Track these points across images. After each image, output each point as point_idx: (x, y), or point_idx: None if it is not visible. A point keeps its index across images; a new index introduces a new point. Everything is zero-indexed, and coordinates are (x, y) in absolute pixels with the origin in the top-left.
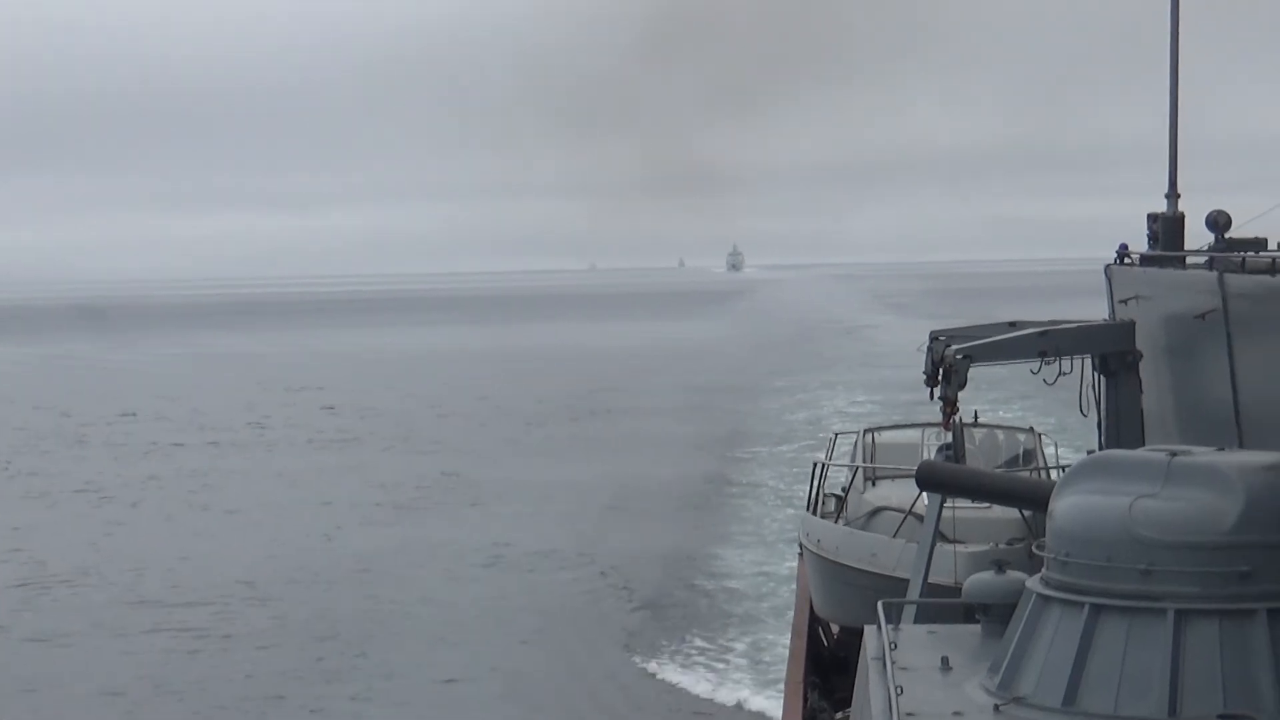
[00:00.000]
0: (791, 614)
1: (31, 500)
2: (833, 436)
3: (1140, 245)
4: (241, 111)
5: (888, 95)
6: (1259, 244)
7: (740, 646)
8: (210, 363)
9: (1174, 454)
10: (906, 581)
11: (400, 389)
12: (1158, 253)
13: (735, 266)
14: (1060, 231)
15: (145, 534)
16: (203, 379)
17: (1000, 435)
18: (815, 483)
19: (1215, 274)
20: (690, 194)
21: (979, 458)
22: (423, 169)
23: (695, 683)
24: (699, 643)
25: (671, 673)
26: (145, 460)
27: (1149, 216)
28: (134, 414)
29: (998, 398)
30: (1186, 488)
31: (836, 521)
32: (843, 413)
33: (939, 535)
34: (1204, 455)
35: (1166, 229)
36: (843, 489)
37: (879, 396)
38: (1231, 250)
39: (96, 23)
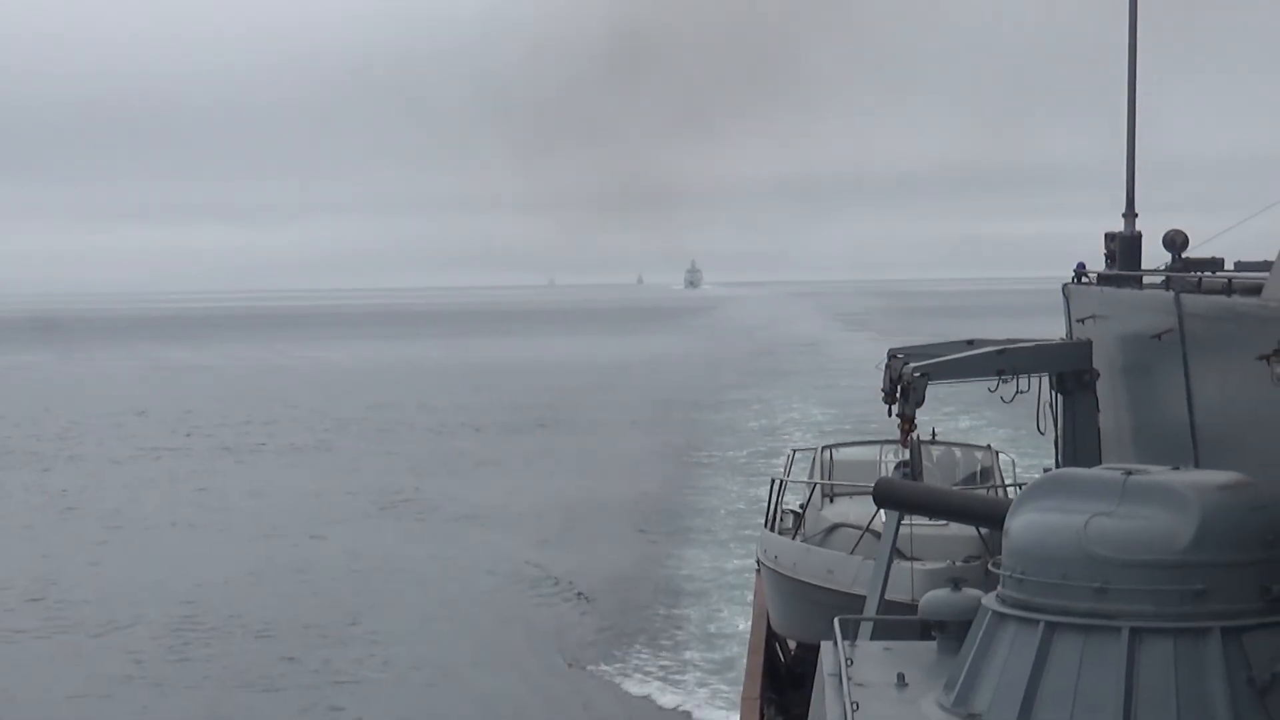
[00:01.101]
0: (748, 629)
1: None
2: (790, 453)
3: (1097, 264)
4: (203, 126)
5: (844, 116)
6: (1215, 264)
7: (697, 661)
8: (165, 375)
9: (1129, 473)
10: (863, 598)
11: (356, 401)
12: (1115, 272)
13: (693, 284)
14: (1016, 251)
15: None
16: (157, 391)
17: (958, 453)
18: (773, 499)
19: (1172, 294)
20: (648, 211)
21: (936, 475)
22: (383, 184)
23: (653, 696)
24: (656, 656)
25: (630, 685)
26: (100, 470)
27: (1106, 236)
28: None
29: (954, 414)
30: (1142, 506)
31: (794, 538)
32: (799, 423)
33: (896, 552)
34: (1159, 474)
35: (1124, 248)
36: (800, 505)
37: (835, 410)
38: (1188, 270)
39: (62, 34)
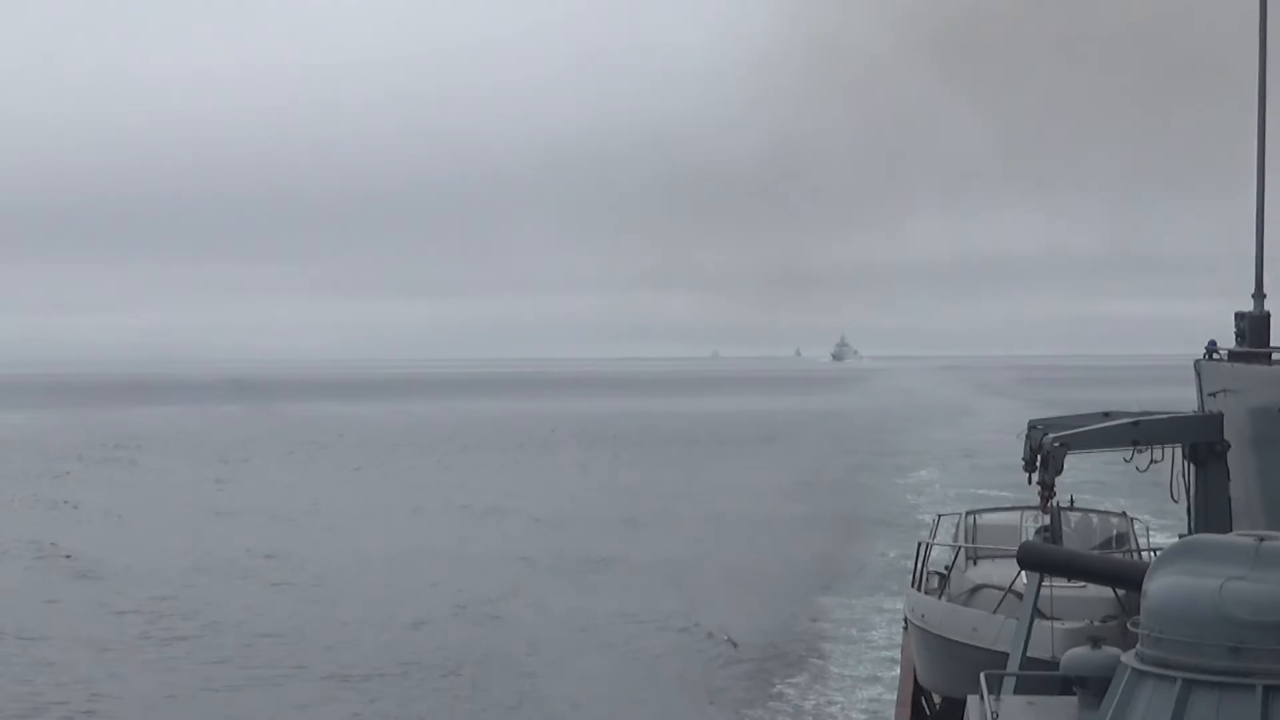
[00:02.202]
0: (897, 683)
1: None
2: (936, 518)
3: (1228, 342)
4: (416, 207)
5: (985, 205)
6: None
7: (848, 713)
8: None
9: (1262, 539)
10: (1006, 655)
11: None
12: (1245, 349)
13: (839, 357)
14: (1148, 330)
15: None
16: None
17: (1095, 519)
18: (920, 561)
19: None
20: (805, 290)
21: (1075, 539)
22: (563, 263)
23: None
24: (807, 705)
25: None
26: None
27: (1236, 315)
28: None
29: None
30: (1274, 571)
31: (940, 598)
32: (947, 484)
33: (1037, 612)
34: None
35: (1253, 327)
36: (945, 567)
37: (978, 477)
38: None
39: (273, 120)
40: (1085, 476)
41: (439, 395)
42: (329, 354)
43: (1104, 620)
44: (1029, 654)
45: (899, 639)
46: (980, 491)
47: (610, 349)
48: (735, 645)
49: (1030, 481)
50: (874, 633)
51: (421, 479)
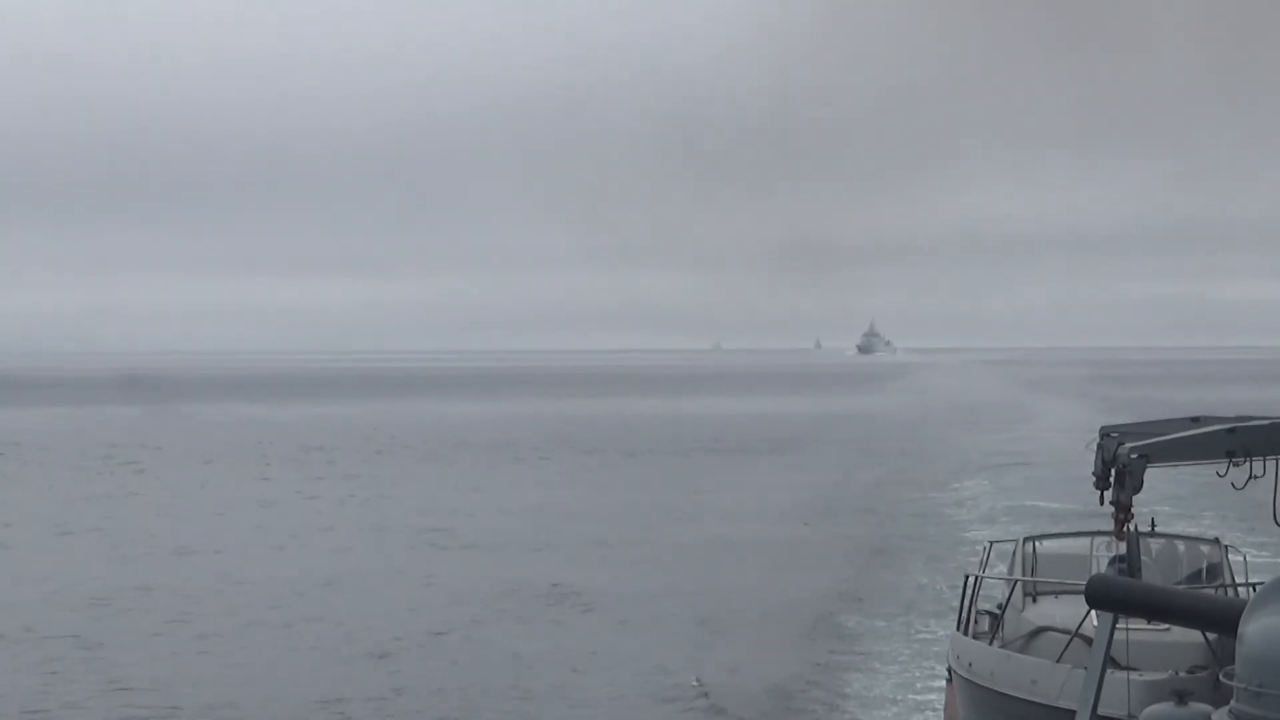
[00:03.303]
0: None
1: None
2: (987, 545)
3: None
4: (349, 166)
5: (1031, 170)
6: None
7: None
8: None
9: None
10: (1072, 713)
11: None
12: None
13: (867, 349)
14: (1244, 317)
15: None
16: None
17: (1181, 546)
18: (967, 598)
19: None
20: (828, 269)
21: (1156, 572)
22: (522, 236)
23: None
24: None
25: None
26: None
27: None
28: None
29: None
30: None
31: (991, 643)
32: (998, 504)
33: (1110, 660)
34: None
35: None
36: (998, 606)
37: (1037, 496)
38: None
39: (169, 69)
40: (1166, 492)
41: (378, 395)
42: (241, 344)
43: (1191, 671)
44: (1100, 711)
45: (940, 694)
46: (1039, 506)
47: (589, 339)
48: (725, 712)
49: (1102, 501)
50: (910, 692)
51: (353, 496)
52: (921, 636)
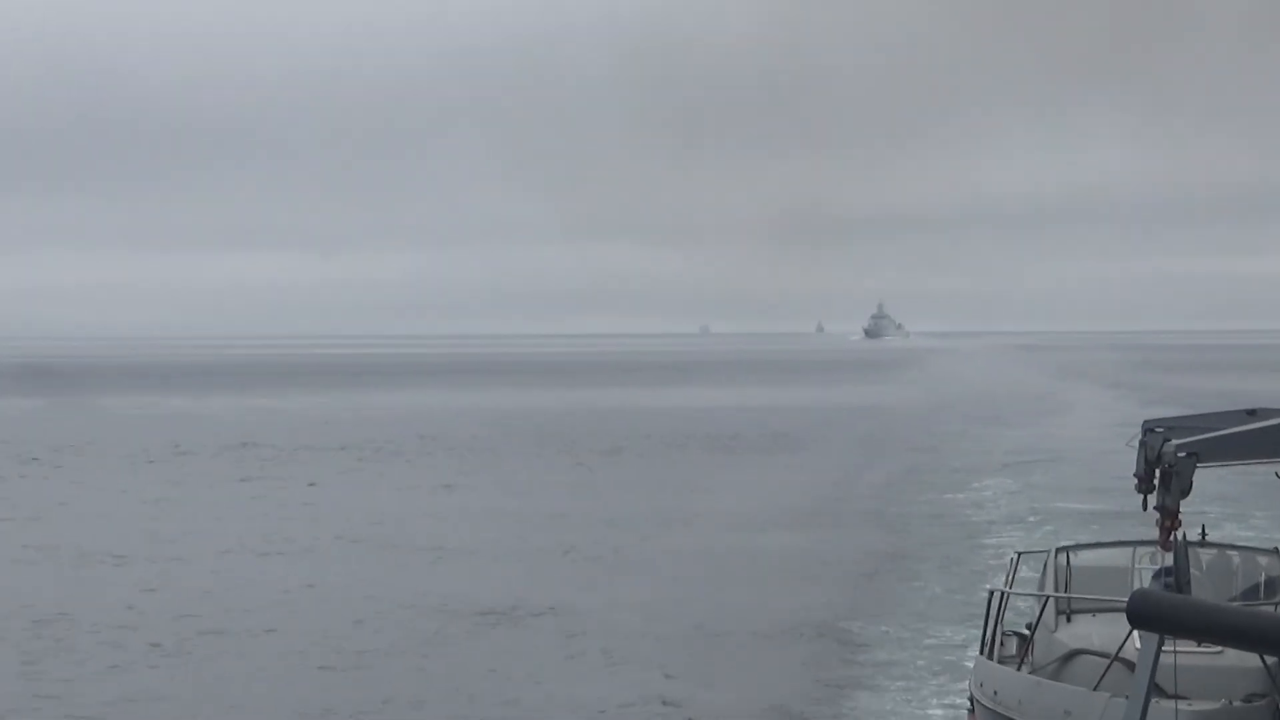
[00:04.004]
0: None
1: None
2: (1014, 557)
3: None
4: (292, 132)
5: (1059, 131)
6: None
7: None
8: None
9: None
10: None
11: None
12: None
13: (875, 333)
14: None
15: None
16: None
17: (1236, 558)
18: (991, 617)
19: None
20: (830, 243)
21: (1208, 586)
22: (483, 206)
23: None
24: None
25: None
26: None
27: None
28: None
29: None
30: None
31: (1019, 667)
32: (1026, 508)
33: (1155, 688)
34: None
35: None
36: (1028, 625)
37: (1070, 498)
38: None
39: (81, 31)
40: (1215, 492)
41: (325, 386)
42: (166, 329)
43: (1247, 699)
44: None
45: None
46: (1072, 510)
47: (560, 322)
48: None
49: (1145, 506)
50: None
51: (297, 500)
52: (941, 661)
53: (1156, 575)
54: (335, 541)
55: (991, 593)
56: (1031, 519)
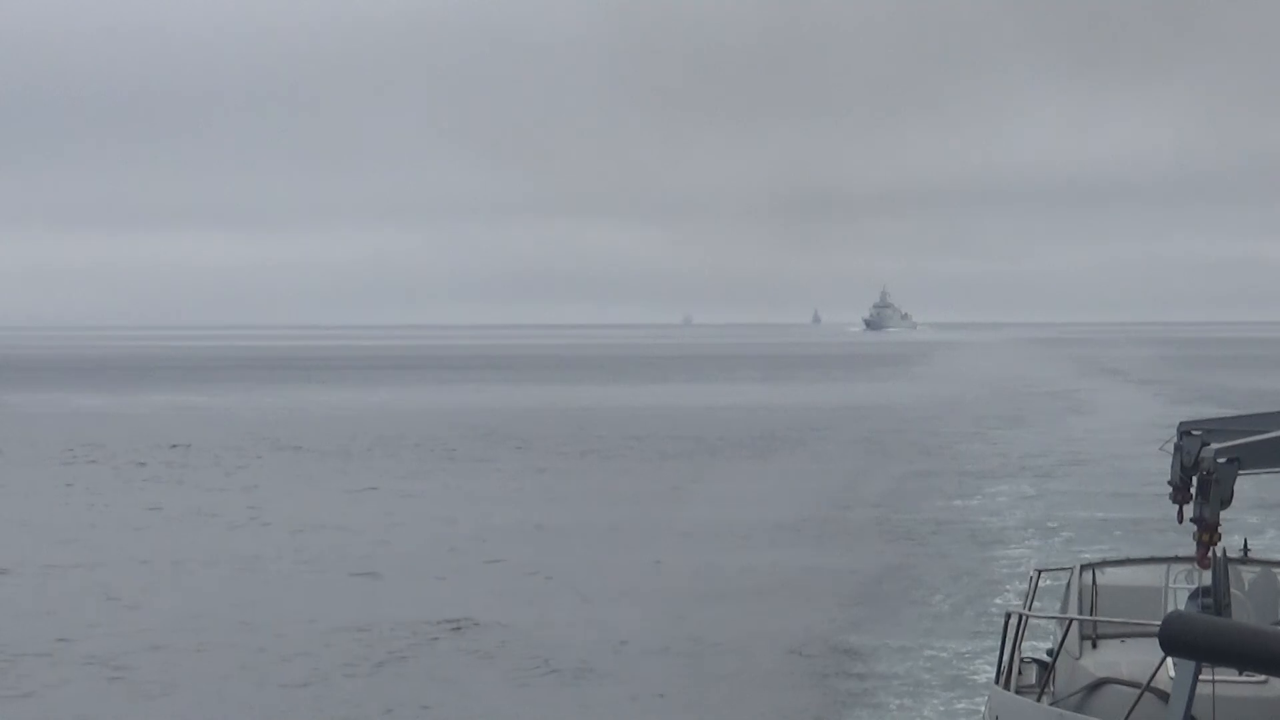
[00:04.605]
0: None
1: None
2: (1033, 574)
3: None
4: (193, 101)
5: (1083, 101)
6: None
7: None
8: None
9: None
10: None
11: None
12: None
13: (877, 324)
14: None
15: None
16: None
17: None
18: (1008, 641)
19: None
20: (828, 223)
21: (1250, 608)
22: (440, 181)
23: None
24: None
25: None
26: None
27: None
28: None
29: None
30: None
31: (1040, 698)
32: (1046, 519)
33: None
34: None
35: None
36: (1049, 651)
37: (1095, 508)
38: None
39: None
40: (1254, 498)
41: (265, 380)
42: (87, 316)
43: None
44: None
45: None
46: (1098, 521)
47: (528, 311)
48: None
49: (1181, 517)
50: None
51: (233, 509)
52: (950, 687)
53: (1193, 596)
54: (276, 554)
55: (1008, 615)
56: (1052, 529)
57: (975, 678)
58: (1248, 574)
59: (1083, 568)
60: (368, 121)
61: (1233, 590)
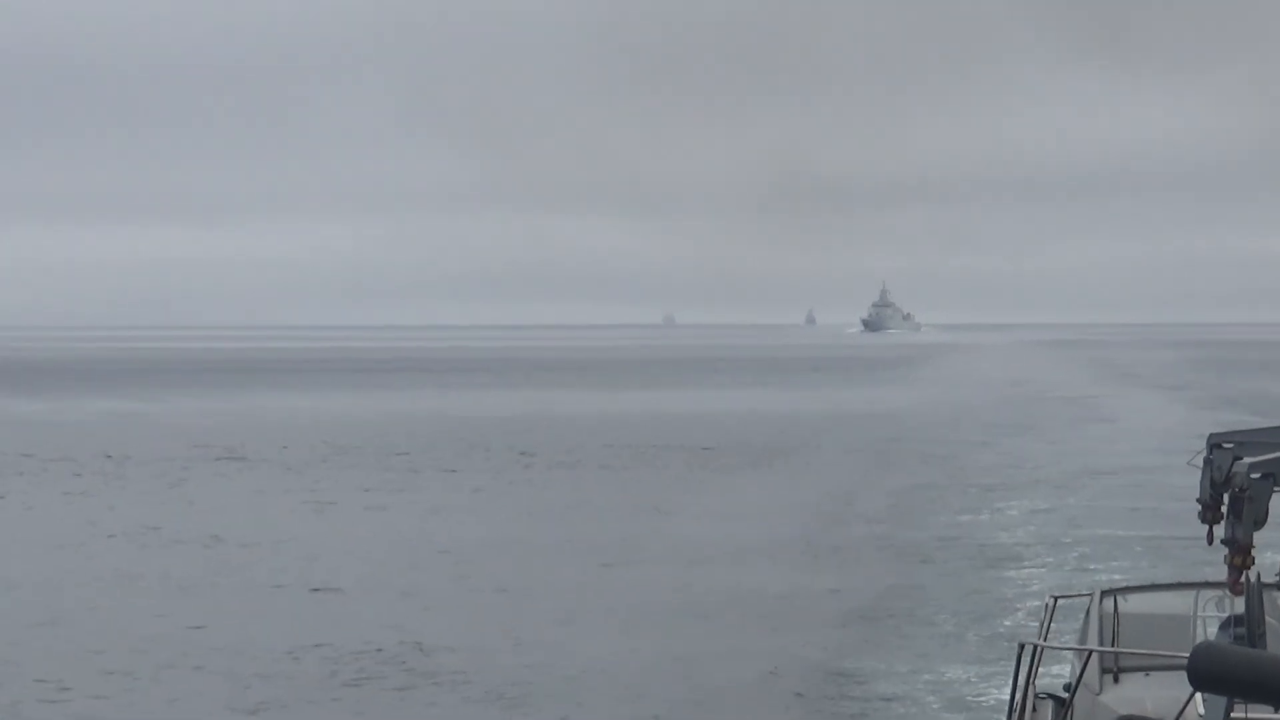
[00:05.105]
0: None
1: None
2: (1049, 601)
3: None
4: (137, 83)
5: (1099, 85)
6: None
7: None
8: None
9: None
10: None
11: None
12: None
13: (876, 324)
14: None
15: None
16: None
17: None
18: (1022, 675)
19: None
20: (822, 214)
21: None
22: (401, 170)
23: None
24: None
25: None
26: None
27: None
28: None
29: None
30: None
31: None
32: (1063, 539)
33: None
34: None
35: None
36: (1066, 686)
37: (1116, 526)
38: None
39: None
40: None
41: (211, 385)
42: (11, 316)
43: None
44: None
45: None
46: (1119, 541)
47: (499, 311)
48: None
49: (1211, 538)
50: None
51: (177, 524)
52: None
53: (1224, 625)
54: (221, 573)
55: (1021, 646)
56: (1067, 548)
57: (984, 709)
58: None
59: (1103, 594)
60: (324, 107)
61: (1268, 619)
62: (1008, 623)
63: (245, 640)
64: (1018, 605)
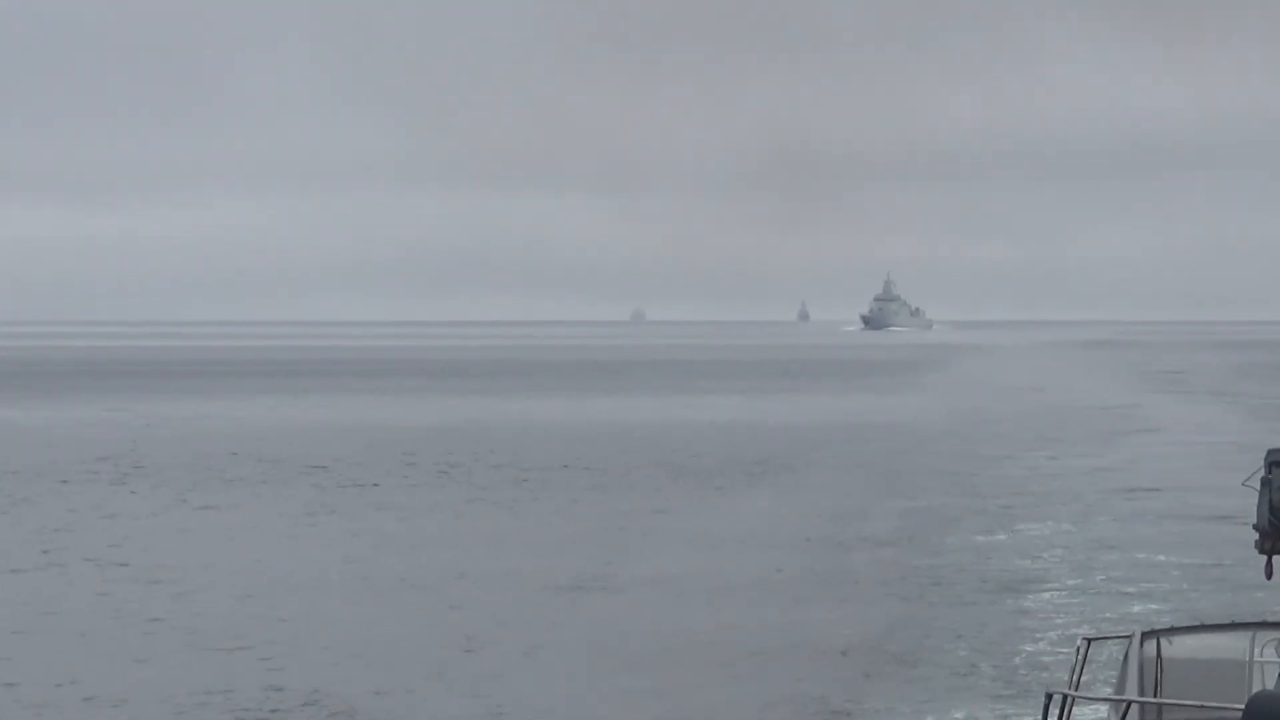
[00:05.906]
0: None
1: None
2: (1082, 644)
3: None
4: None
5: (1132, 52)
6: None
7: None
8: None
9: None
10: None
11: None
12: None
13: (878, 321)
14: None
15: None
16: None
17: None
18: None
19: None
20: (818, 195)
21: None
22: (331, 140)
23: None
24: None
25: None
26: None
27: None
28: None
29: None
30: None
31: None
32: (1096, 570)
33: None
34: None
35: None
36: None
37: (1157, 553)
38: None
39: None
40: None
41: (115, 389)
42: None
43: None
44: None
45: None
46: (1161, 571)
47: (445, 305)
48: None
49: (1270, 571)
50: None
51: (56, 546)
52: None
53: None
54: (126, 607)
55: (1049, 695)
56: (1100, 580)
57: None
58: None
59: (1144, 635)
60: (239, 72)
61: None
62: (1030, 664)
63: (151, 685)
64: (1040, 640)
